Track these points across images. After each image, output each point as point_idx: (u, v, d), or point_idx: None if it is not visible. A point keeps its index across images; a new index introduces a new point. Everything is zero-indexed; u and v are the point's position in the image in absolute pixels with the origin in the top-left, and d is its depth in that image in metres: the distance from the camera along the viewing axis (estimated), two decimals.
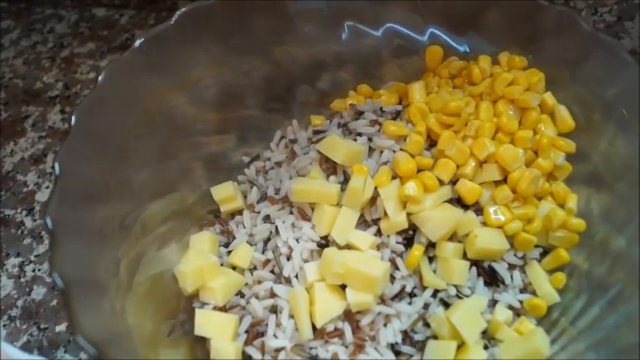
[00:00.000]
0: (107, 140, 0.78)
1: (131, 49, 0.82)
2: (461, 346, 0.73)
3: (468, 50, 0.93)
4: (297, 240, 0.80)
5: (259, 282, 0.80)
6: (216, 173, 0.92)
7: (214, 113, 0.92)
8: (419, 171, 0.79)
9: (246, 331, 0.76)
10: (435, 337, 0.75)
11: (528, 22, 0.86)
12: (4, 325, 0.88)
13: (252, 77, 0.95)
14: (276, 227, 0.81)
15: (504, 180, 0.79)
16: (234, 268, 0.82)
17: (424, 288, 0.77)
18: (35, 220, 0.99)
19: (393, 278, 0.76)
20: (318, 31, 0.95)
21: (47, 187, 1.03)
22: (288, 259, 0.79)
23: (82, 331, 0.60)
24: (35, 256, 0.95)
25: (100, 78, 0.78)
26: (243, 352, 0.75)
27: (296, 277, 0.78)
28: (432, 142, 0.83)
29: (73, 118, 0.74)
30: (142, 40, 0.82)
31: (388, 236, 0.78)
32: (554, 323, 0.77)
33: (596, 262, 0.77)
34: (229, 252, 0.84)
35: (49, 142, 1.10)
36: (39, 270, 0.93)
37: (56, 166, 0.70)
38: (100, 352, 0.59)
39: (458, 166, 0.80)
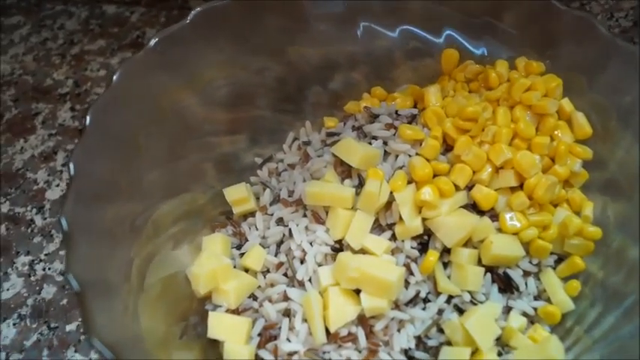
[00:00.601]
0: (120, 140, 0.78)
1: (146, 48, 0.81)
2: (475, 352, 0.73)
3: (484, 54, 0.92)
4: (310, 243, 0.79)
5: (272, 285, 0.79)
6: (228, 174, 0.92)
7: (226, 113, 0.91)
8: (434, 176, 0.79)
9: (259, 335, 0.76)
10: (448, 343, 0.74)
11: (545, 27, 0.86)
12: (14, 324, 0.88)
13: (264, 77, 0.94)
14: (290, 230, 0.81)
15: (520, 186, 0.79)
16: (246, 270, 0.82)
17: (438, 294, 0.76)
18: (45, 219, 0.99)
19: (407, 283, 0.76)
20: (332, 31, 0.94)
21: (57, 185, 1.03)
22: (302, 263, 0.79)
23: (97, 333, 0.59)
24: (45, 254, 0.95)
25: (114, 77, 0.78)
26: (256, 356, 0.75)
27: (309, 280, 0.77)
28: (447, 147, 0.83)
29: (88, 117, 0.74)
30: (157, 39, 0.82)
31: (403, 241, 0.78)
32: (569, 331, 0.76)
33: (611, 270, 0.76)
34: (242, 254, 0.83)
35: (59, 140, 1.09)
36: (49, 269, 0.93)
37: (71, 165, 0.69)
38: (115, 354, 0.59)
39: (474, 172, 0.79)
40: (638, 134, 0.77)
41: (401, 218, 0.77)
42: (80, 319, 0.87)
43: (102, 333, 0.59)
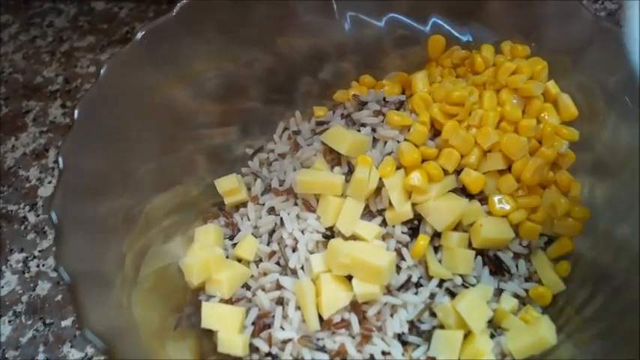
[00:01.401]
0: (110, 133, 0.78)
1: (133, 42, 0.81)
2: (467, 335, 0.73)
3: (470, 40, 0.92)
4: (302, 231, 0.80)
5: (265, 274, 0.80)
6: (219, 166, 0.92)
7: (216, 105, 0.92)
8: (423, 161, 0.79)
9: (253, 323, 0.76)
10: (441, 326, 0.75)
11: (531, 10, 0.86)
12: (9, 321, 0.88)
13: (254, 69, 0.94)
14: (281, 219, 0.81)
15: (509, 169, 0.79)
16: (239, 260, 0.82)
17: (430, 278, 0.77)
18: (38, 216, 0.99)
19: (398, 268, 0.76)
20: (320, 21, 0.95)
21: (50, 182, 1.03)
22: (294, 251, 0.79)
23: (90, 325, 0.59)
24: (39, 251, 0.95)
25: (102, 71, 0.78)
26: (250, 345, 0.75)
27: (302, 268, 0.78)
28: (435, 132, 0.83)
29: (76, 111, 0.74)
30: (144, 32, 0.82)
31: (393, 226, 0.78)
32: (560, 312, 0.77)
33: (600, 250, 0.77)
34: (234, 244, 0.84)
35: (50, 137, 1.09)
36: (43, 265, 0.93)
37: (60, 159, 0.70)
38: (108, 345, 0.59)
39: (462, 156, 0.80)
40: (623, 114, 0.78)
41: (391, 204, 0.77)
42: (75, 315, 0.88)
43: (94, 324, 0.60)
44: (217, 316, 0.75)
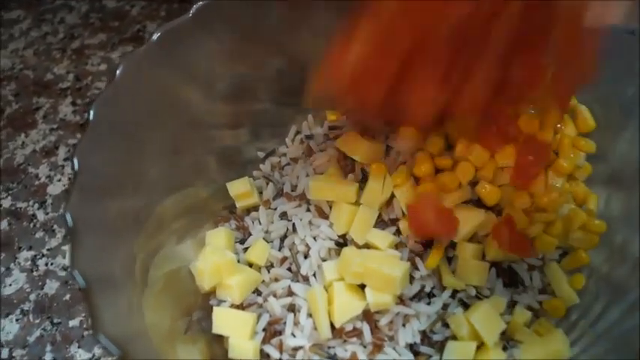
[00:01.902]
0: (123, 134, 0.77)
1: (149, 43, 0.81)
2: (480, 346, 0.73)
3: None
4: (314, 238, 0.80)
5: (276, 280, 0.79)
6: (230, 168, 0.91)
7: (228, 107, 0.91)
8: (438, 171, 0.78)
9: (264, 330, 0.76)
10: (454, 337, 0.74)
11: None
12: (17, 320, 0.88)
13: (266, 70, 0.94)
14: (293, 224, 0.81)
15: None
16: (250, 265, 0.82)
17: (443, 288, 0.76)
18: (47, 214, 0.98)
19: (412, 278, 0.76)
20: (334, 23, 0.94)
21: (59, 180, 1.03)
22: (306, 257, 0.79)
23: (104, 330, 0.59)
24: (48, 249, 0.94)
25: (117, 71, 0.77)
26: (261, 351, 0.75)
27: (314, 275, 0.77)
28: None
29: (92, 112, 0.73)
30: (160, 33, 0.81)
31: (407, 236, 0.78)
32: (573, 325, 0.76)
33: (616, 264, 0.76)
34: (245, 249, 0.84)
35: (60, 135, 1.09)
36: (51, 264, 0.93)
37: (75, 161, 0.69)
38: (122, 350, 0.58)
39: (477, 169, 0.79)
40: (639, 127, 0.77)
41: (404, 213, 0.77)
42: (83, 315, 0.87)
43: (108, 328, 0.59)
44: (228, 322, 0.75)
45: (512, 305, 0.77)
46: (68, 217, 0.64)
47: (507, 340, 0.76)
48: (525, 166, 0.76)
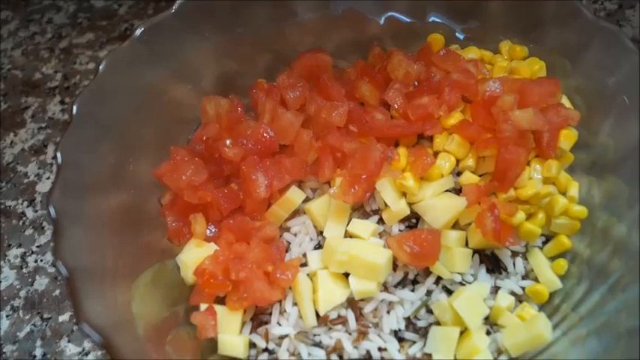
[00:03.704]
0: (108, 130, 0.78)
1: (131, 38, 0.82)
2: (463, 332, 0.74)
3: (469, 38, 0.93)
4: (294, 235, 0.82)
5: None
6: None
7: None
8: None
9: (251, 320, 0.76)
10: (437, 323, 0.75)
11: (530, 11, 0.87)
12: (7, 316, 0.88)
13: (252, 66, 0.95)
14: None
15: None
16: None
17: (427, 275, 0.77)
18: (36, 211, 0.99)
19: (395, 266, 0.77)
20: (318, 20, 0.95)
21: (48, 178, 1.03)
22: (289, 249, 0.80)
23: (87, 319, 0.60)
24: (37, 246, 0.95)
25: (100, 67, 0.78)
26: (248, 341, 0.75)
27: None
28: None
29: (74, 107, 0.74)
30: (143, 29, 0.82)
31: (391, 226, 0.79)
32: (556, 309, 0.77)
33: (597, 249, 0.77)
34: None
35: (49, 133, 1.09)
36: (41, 260, 0.93)
37: (58, 155, 0.70)
38: (105, 338, 0.59)
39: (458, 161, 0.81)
40: (621, 114, 0.78)
41: (386, 205, 0.78)
42: (72, 308, 0.88)
43: (91, 318, 0.60)
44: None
45: (495, 291, 0.78)
46: (52, 210, 0.65)
47: (491, 325, 0.76)
48: (505, 170, 0.76)
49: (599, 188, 0.80)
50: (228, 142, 0.80)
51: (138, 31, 0.82)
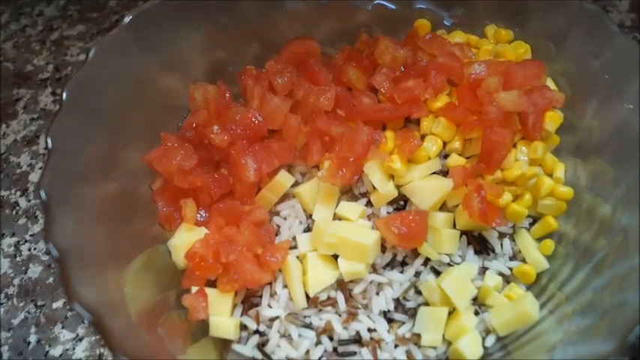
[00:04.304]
0: (99, 117, 0.79)
1: (120, 26, 0.83)
2: (452, 312, 0.74)
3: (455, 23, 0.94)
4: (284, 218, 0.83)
5: None
6: None
7: None
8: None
9: (242, 302, 0.77)
10: (426, 304, 0.76)
11: None
12: (1, 304, 0.89)
13: (242, 55, 0.95)
14: None
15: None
16: None
17: (415, 256, 0.78)
18: (30, 201, 1.00)
19: (384, 247, 0.78)
20: (307, 9, 0.95)
21: (40, 168, 1.04)
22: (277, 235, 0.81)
23: (78, 298, 0.61)
24: (30, 235, 0.96)
25: (89, 54, 0.79)
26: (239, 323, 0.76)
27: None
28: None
29: (64, 94, 0.75)
30: (131, 17, 0.83)
31: (379, 208, 0.80)
32: (543, 289, 0.78)
33: (582, 229, 0.78)
34: None
35: (41, 124, 1.10)
36: (34, 249, 0.94)
37: (48, 140, 0.71)
38: (96, 318, 0.60)
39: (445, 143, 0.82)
40: (606, 96, 0.79)
41: (374, 187, 0.79)
42: (64, 289, 0.88)
43: (82, 298, 0.61)
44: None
45: (483, 272, 0.79)
46: (42, 194, 0.66)
47: (479, 305, 0.77)
48: (491, 152, 0.77)
49: (584, 169, 0.81)
50: (215, 128, 0.81)
51: (127, 19, 0.82)
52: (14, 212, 0.99)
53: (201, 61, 0.93)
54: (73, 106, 0.75)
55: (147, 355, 0.62)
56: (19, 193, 1.01)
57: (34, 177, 1.03)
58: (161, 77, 0.88)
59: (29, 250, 0.94)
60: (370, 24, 0.97)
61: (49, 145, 0.70)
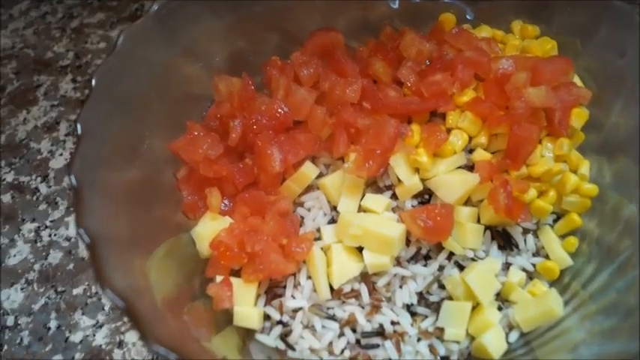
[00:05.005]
0: (125, 104, 0.79)
1: (147, 15, 0.82)
2: (475, 307, 0.74)
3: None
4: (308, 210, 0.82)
5: None
6: None
7: None
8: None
9: (265, 292, 0.77)
10: (450, 298, 0.76)
11: None
12: (22, 289, 0.89)
13: (264, 46, 0.95)
14: None
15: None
16: None
17: (439, 251, 0.78)
18: (50, 187, 1.00)
19: (408, 241, 0.78)
20: (330, 1, 0.95)
21: (61, 155, 1.04)
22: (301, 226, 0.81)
23: (110, 284, 0.61)
24: (51, 221, 0.96)
25: (118, 42, 0.79)
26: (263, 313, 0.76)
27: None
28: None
29: (94, 80, 0.75)
30: (158, 6, 0.83)
31: (404, 201, 0.79)
32: (566, 286, 0.78)
33: (607, 228, 0.78)
34: None
35: (61, 111, 1.10)
36: (55, 235, 0.94)
37: (78, 126, 0.71)
38: (128, 304, 0.60)
39: (471, 138, 0.81)
40: (632, 93, 0.79)
41: (399, 180, 0.78)
42: (87, 283, 0.89)
43: (114, 284, 0.61)
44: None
45: (506, 267, 0.79)
46: (72, 179, 0.66)
47: (502, 301, 0.77)
48: (517, 147, 0.77)
49: (609, 168, 0.81)
50: (236, 122, 0.81)
51: (154, 8, 0.82)
52: (35, 198, 0.99)
53: (224, 50, 0.93)
54: (101, 92, 0.75)
55: (175, 341, 0.62)
56: (39, 179, 1.01)
57: (54, 163, 1.03)
58: (185, 66, 0.88)
59: (49, 236, 0.95)
60: (392, 16, 0.97)
61: (79, 130, 0.70)
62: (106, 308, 0.86)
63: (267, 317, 0.76)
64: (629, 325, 0.66)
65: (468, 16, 0.95)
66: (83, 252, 0.92)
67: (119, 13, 1.26)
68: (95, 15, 1.26)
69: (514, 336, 0.75)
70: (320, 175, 0.83)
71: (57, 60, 1.19)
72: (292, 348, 0.74)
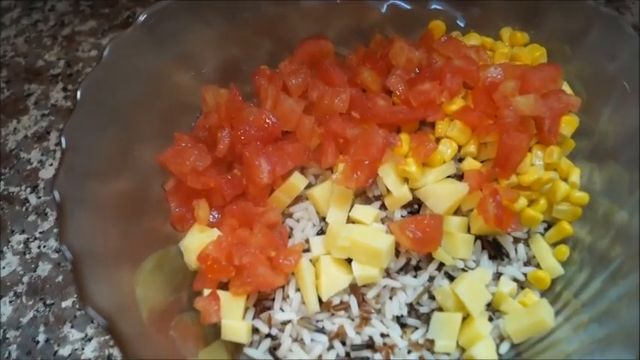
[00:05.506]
0: (112, 115, 0.78)
1: (135, 24, 0.82)
2: (466, 318, 0.74)
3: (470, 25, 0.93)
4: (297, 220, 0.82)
5: None
6: None
7: None
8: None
9: (254, 305, 0.77)
10: (440, 309, 0.76)
11: None
12: (10, 302, 0.89)
13: (256, 53, 0.95)
14: None
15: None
16: None
17: (429, 261, 0.77)
18: (39, 197, 0.99)
19: (398, 252, 0.77)
20: (321, 7, 0.95)
21: (51, 165, 1.03)
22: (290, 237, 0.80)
23: (92, 302, 0.60)
24: (40, 232, 0.95)
25: (104, 53, 0.78)
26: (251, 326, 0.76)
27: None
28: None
29: (79, 92, 0.74)
30: (146, 15, 0.82)
31: (393, 212, 0.79)
32: (558, 296, 0.78)
33: (598, 235, 0.77)
34: None
35: (52, 120, 1.09)
36: (44, 246, 0.94)
37: (62, 139, 0.70)
38: (110, 322, 0.59)
39: (460, 147, 0.81)
40: (622, 100, 0.78)
41: (388, 190, 0.78)
42: (76, 296, 0.88)
43: (96, 301, 0.60)
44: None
45: (497, 277, 0.78)
46: (56, 194, 0.65)
47: (493, 311, 0.77)
48: (506, 156, 0.77)
49: (600, 174, 0.80)
50: (224, 133, 0.81)
51: (141, 17, 0.82)
52: (24, 209, 0.98)
53: (215, 59, 0.92)
54: (87, 104, 0.74)
55: (159, 358, 0.61)
56: (29, 189, 1.01)
57: (44, 173, 1.03)
58: (174, 75, 0.87)
59: (39, 247, 0.94)
60: (383, 23, 0.96)
61: (64, 144, 0.69)
62: (97, 324, 0.86)
63: (255, 331, 0.76)
64: (622, 334, 0.65)
65: (459, 22, 0.94)
66: None
67: (111, 21, 1.25)
68: (87, 23, 1.25)
69: (505, 347, 0.74)
70: (309, 186, 0.82)
71: (48, 68, 1.18)
72: None
